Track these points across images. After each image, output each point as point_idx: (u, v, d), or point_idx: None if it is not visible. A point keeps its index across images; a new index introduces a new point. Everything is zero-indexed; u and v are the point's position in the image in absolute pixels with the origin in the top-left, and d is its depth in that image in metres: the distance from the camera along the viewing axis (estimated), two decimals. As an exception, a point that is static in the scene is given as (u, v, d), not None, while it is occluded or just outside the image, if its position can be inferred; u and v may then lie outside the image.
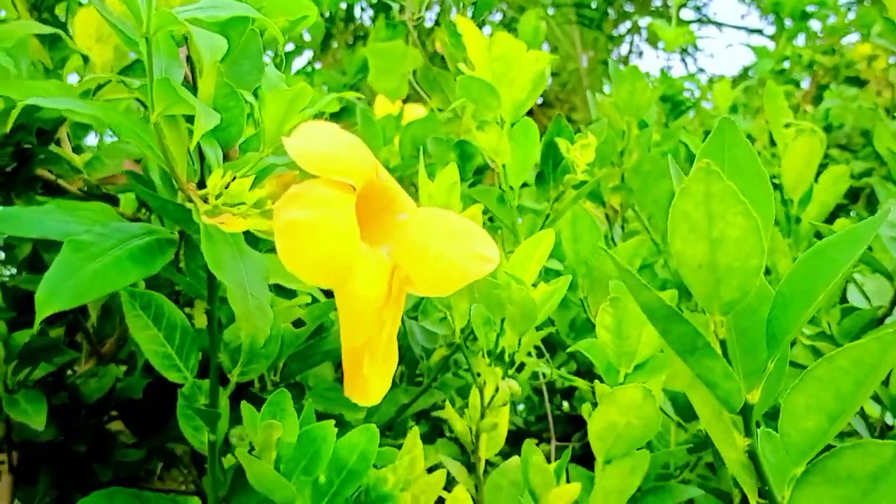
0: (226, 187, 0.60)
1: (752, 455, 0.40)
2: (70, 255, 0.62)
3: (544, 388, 1.09)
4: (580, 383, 0.92)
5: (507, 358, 0.73)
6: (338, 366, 0.96)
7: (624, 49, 4.37)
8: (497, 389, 0.74)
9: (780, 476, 0.41)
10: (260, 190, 0.59)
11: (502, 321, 0.72)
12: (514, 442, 0.86)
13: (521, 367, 0.87)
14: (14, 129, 0.85)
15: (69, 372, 0.99)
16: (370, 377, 0.58)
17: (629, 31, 4.22)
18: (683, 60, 4.46)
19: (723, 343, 0.38)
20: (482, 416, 0.75)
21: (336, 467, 0.68)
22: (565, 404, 1.23)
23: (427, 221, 0.58)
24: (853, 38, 2.45)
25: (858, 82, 2.22)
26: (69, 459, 0.98)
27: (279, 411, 0.67)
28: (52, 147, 0.86)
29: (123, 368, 0.99)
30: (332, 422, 0.67)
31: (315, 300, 0.79)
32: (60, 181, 0.90)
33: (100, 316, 1.02)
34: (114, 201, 0.90)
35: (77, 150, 0.93)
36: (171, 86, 0.56)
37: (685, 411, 0.90)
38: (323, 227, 0.52)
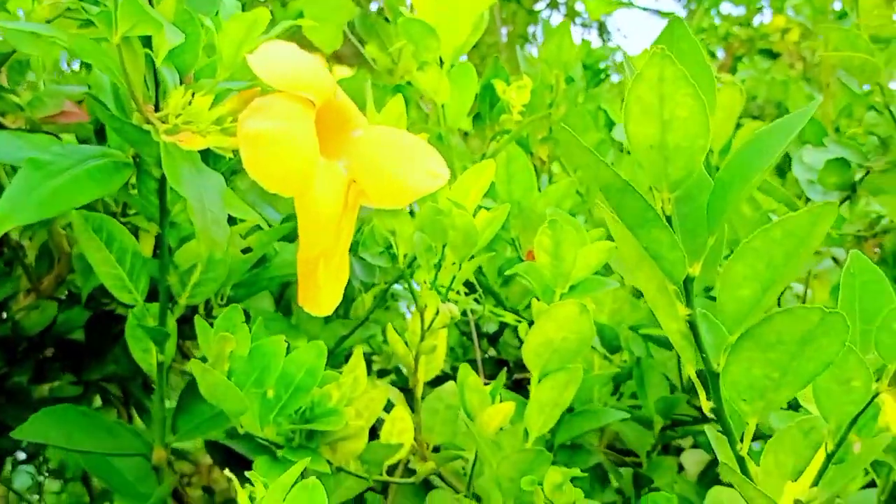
0: (188, 104, 0.62)
1: (692, 324, 0.44)
2: (31, 172, 0.65)
3: (473, 331, 1.13)
4: (509, 317, 0.96)
5: (447, 282, 0.76)
6: (278, 300, 0.99)
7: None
8: (437, 312, 0.77)
9: (717, 345, 0.45)
10: (221, 107, 0.62)
11: (443, 248, 0.75)
12: (439, 384, 0.90)
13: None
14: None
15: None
16: (324, 286, 0.61)
17: (548, 5, 4.27)
18: (601, 37, 4.53)
19: (669, 219, 0.42)
20: (422, 339, 0.78)
21: (284, 382, 0.71)
22: (491, 350, 1.27)
23: (381, 139, 0.62)
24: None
25: (771, 55, 2.30)
26: (9, 392, 1.00)
27: (231, 326, 0.70)
28: (-4, 83, 0.87)
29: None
30: (283, 337, 0.70)
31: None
32: (1, 119, 0.91)
33: (37, 256, 1.04)
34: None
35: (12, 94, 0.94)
36: (137, 3, 0.59)
37: (611, 344, 0.94)
38: (285, 136, 0.55)
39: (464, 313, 1.12)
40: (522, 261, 0.99)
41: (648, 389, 0.93)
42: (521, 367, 1.23)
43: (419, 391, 0.81)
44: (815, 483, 0.48)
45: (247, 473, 0.53)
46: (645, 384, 0.93)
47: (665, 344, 0.95)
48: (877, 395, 0.46)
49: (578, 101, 1.31)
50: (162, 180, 0.71)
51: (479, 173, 0.75)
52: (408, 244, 0.76)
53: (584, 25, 4.42)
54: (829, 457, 0.48)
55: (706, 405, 0.47)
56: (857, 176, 0.96)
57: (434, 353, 0.80)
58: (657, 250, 0.42)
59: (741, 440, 0.48)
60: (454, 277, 0.77)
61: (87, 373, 0.94)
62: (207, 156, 0.70)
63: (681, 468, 1.04)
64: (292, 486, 0.51)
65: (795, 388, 0.44)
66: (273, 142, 0.55)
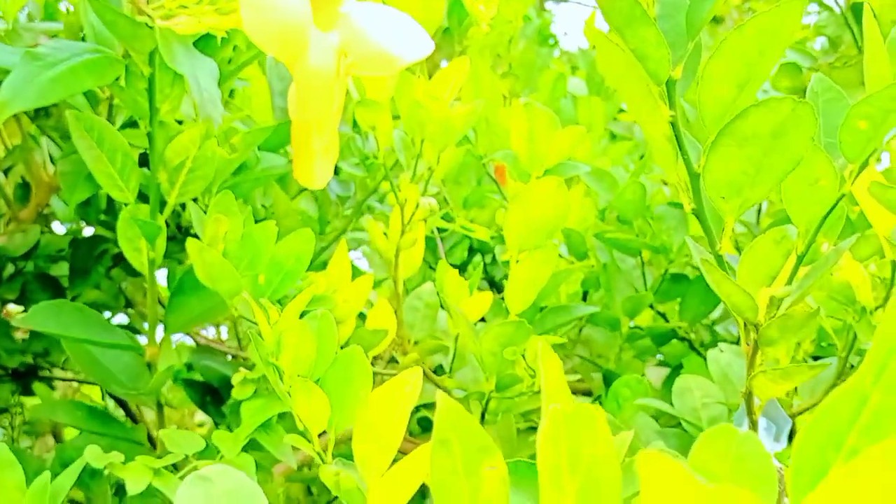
0: (182, -12, 0.66)
1: (674, 125, 0.48)
2: (28, 63, 0.68)
3: (442, 254, 1.16)
4: (481, 232, 0.99)
5: (426, 176, 0.80)
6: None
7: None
8: (417, 206, 0.81)
9: (697, 147, 0.49)
10: (216, -14, 0.65)
11: (422, 142, 0.79)
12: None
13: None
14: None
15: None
16: (318, 155, 0.65)
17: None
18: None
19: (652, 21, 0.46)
20: (402, 234, 0.82)
21: (275, 267, 0.74)
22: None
23: (368, 12, 0.65)
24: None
25: (715, 19, 2.36)
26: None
27: (224, 210, 0.73)
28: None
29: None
30: (273, 222, 0.74)
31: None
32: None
33: (14, 190, 1.06)
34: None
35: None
36: None
37: (577, 249, 0.98)
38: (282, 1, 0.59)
39: (432, 242, 1.16)
40: (493, 180, 1.03)
41: (615, 292, 0.97)
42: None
43: (399, 287, 0.85)
44: (788, 283, 0.52)
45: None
46: (612, 287, 0.97)
47: (630, 249, 0.99)
48: (843, 196, 0.50)
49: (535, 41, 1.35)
50: (150, 80, 0.74)
51: (455, 69, 0.79)
52: (388, 138, 0.79)
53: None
54: (800, 258, 0.52)
55: (688, 206, 0.51)
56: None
57: (413, 248, 0.83)
58: (643, 50, 0.46)
59: (720, 240, 0.52)
60: (432, 172, 0.80)
61: (72, 289, 0.96)
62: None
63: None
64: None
65: (769, 185, 0.48)
66: (270, 6, 0.58)
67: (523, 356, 0.74)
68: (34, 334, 1.17)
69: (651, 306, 1.02)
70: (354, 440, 0.52)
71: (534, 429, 0.87)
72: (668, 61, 0.46)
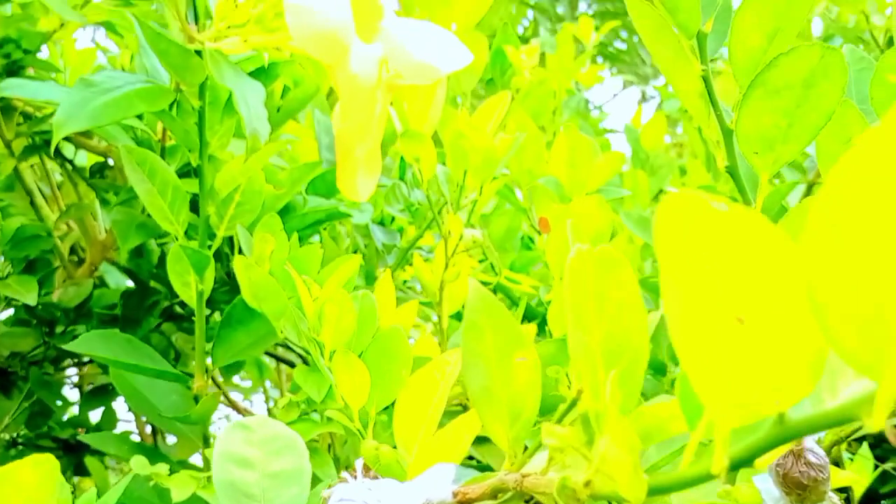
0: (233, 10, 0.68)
1: (706, 79, 0.49)
2: (83, 89, 0.71)
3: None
4: (526, 283, 1.00)
5: (471, 206, 0.81)
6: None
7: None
8: (461, 238, 0.81)
9: (729, 103, 0.50)
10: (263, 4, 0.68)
11: (465, 174, 0.80)
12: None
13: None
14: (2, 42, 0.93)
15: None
16: (360, 165, 0.66)
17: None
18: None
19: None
20: (447, 267, 0.82)
21: (320, 291, 0.75)
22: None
23: (408, 25, 0.67)
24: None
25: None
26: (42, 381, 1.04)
27: (271, 231, 0.74)
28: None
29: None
30: (319, 245, 0.75)
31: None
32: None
33: (70, 251, 1.09)
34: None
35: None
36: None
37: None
38: (324, 6, 0.61)
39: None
40: (538, 231, 1.04)
41: (661, 338, 0.96)
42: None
43: (444, 323, 0.85)
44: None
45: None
46: (657, 333, 0.97)
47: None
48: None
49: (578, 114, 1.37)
50: (200, 113, 0.77)
51: (496, 102, 0.80)
52: (431, 169, 0.81)
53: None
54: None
55: (722, 165, 0.51)
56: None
57: (458, 283, 0.84)
58: (673, 2, 0.47)
59: (755, 199, 0.52)
60: (474, 205, 0.82)
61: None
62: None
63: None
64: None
65: (802, 140, 0.48)
66: (313, 11, 0.61)
67: (567, 376, 0.74)
68: (85, 404, 1.19)
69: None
70: (395, 416, 0.52)
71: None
72: (699, 13, 0.48)
